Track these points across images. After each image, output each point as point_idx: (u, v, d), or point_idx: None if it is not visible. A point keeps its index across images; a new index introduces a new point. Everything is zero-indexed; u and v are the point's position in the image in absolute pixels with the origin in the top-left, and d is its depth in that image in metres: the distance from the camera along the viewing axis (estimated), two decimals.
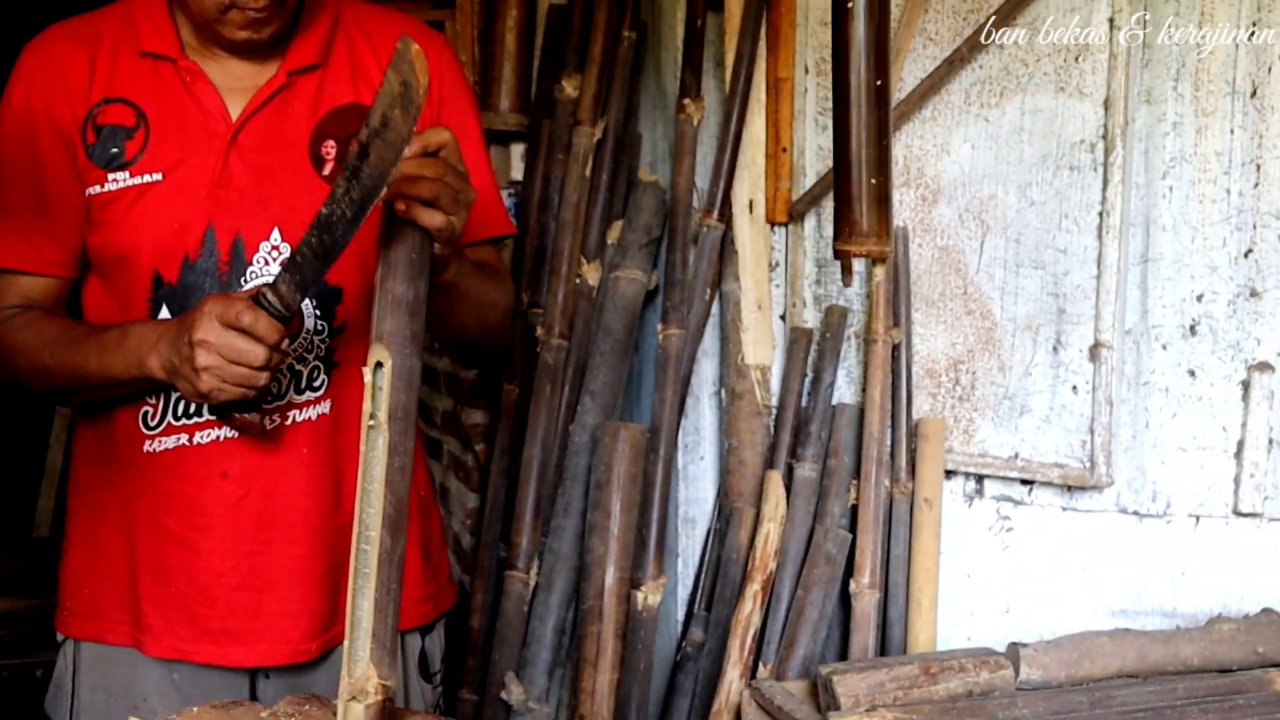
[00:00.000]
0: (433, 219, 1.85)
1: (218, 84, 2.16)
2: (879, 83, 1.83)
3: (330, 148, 2.19)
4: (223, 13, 2.05)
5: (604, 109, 3.32)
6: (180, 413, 2.15)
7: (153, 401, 2.16)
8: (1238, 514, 2.66)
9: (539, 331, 3.26)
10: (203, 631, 2.20)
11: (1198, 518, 2.68)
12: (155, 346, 2.01)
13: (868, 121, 1.83)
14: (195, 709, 1.79)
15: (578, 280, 3.26)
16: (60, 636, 2.32)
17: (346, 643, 1.72)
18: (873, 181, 1.83)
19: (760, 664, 2.83)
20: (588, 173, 3.29)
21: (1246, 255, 2.60)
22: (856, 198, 1.84)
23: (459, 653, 3.29)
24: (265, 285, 1.93)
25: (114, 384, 2.11)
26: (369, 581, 1.72)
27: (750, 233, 3.08)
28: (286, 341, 2.00)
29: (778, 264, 3.11)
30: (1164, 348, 2.65)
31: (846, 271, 1.96)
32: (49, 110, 2.14)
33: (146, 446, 2.18)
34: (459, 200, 1.89)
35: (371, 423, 1.77)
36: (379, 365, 1.77)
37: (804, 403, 2.99)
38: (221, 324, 1.91)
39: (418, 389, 1.82)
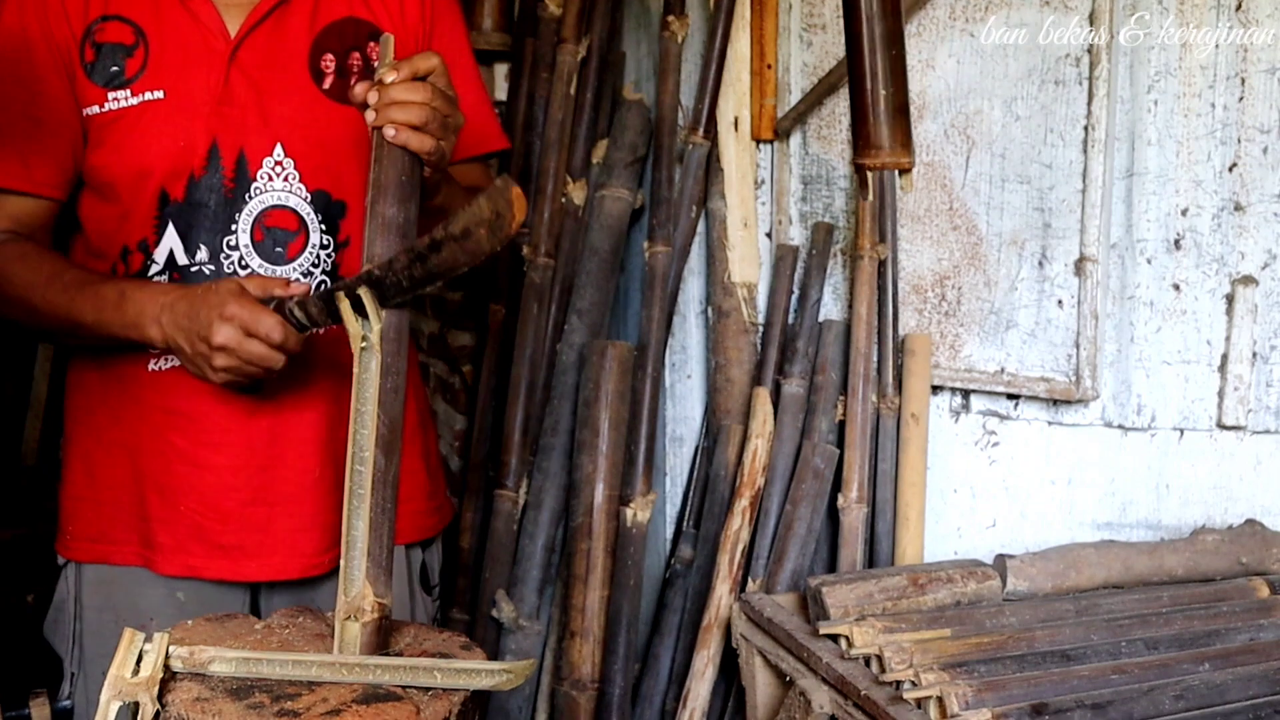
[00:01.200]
0: (423, 143, 1.88)
1: (215, 1, 2.15)
2: None
3: (329, 61, 2.19)
4: None
5: (588, 27, 3.30)
6: None
7: None
8: (1221, 427, 2.68)
9: (525, 251, 3.27)
10: (214, 547, 2.21)
11: (1182, 431, 2.70)
12: (158, 319, 2.01)
13: (879, 30, 1.82)
14: (190, 622, 1.80)
15: (563, 199, 3.26)
16: (61, 560, 2.32)
17: (343, 562, 1.74)
18: (886, 92, 1.83)
19: (749, 579, 2.85)
20: (572, 91, 3.28)
21: (1231, 169, 2.61)
22: (872, 109, 1.83)
23: (450, 572, 3.32)
24: (296, 304, 1.93)
25: (107, 338, 2.10)
26: (364, 501, 1.73)
27: (736, 150, 3.08)
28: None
29: (763, 181, 3.11)
30: (1149, 262, 2.66)
31: (864, 186, 1.96)
32: (44, 27, 2.12)
33: (151, 365, 2.18)
34: (447, 125, 1.92)
35: (364, 344, 1.78)
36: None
37: (791, 320, 3.00)
38: (245, 332, 1.92)
39: (409, 309, 1.83)
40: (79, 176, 2.18)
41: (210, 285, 1.98)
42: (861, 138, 1.86)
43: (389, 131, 1.86)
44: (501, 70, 3.65)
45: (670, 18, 3.11)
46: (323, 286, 2.19)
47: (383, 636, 1.74)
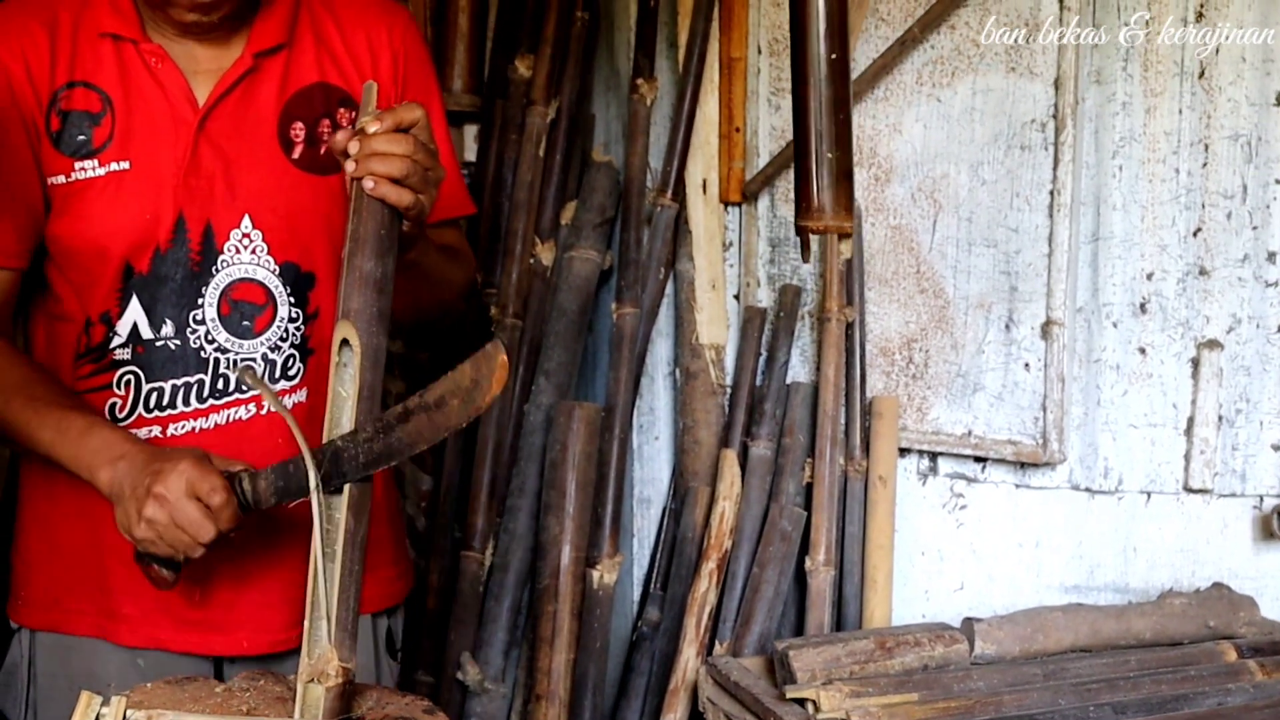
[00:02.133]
0: (401, 197, 1.83)
1: (183, 68, 2.09)
2: (836, 55, 1.83)
3: (299, 130, 2.15)
4: None
5: (557, 89, 3.31)
6: (152, 404, 2.10)
7: (120, 393, 2.10)
8: (1188, 490, 2.68)
9: (493, 311, 3.26)
10: (178, 620, 2.15)
11: (1149, 494, 2.71)
12: (114, 463, 1.94)
13: (826, 95, 1.82)
14: (149, 685, 1.77)
15: (532, 260, 3.26)
16: (15, 625, 2.27)
17: (306, 624, 1.71)
18: (831, 156, 1.83)
19: (716, 642, 2.84)
20: (541, 153, 3.29)
21: (1195, 234, 2.63)
22: (816, 173, 1.83)
23: (415, 634, 3.29)
24: (248, 472, 1.88)
25: (52, 461, 2.03)
26: (334, 563, 1.71)
27: (704, 212, 3.09)
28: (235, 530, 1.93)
29: (731, 243, 3.12)
30: (1115, 325, 2.68)
31: (805, 249, 1.95)
32: (10, 91, 2.05)
33: None
34: (428, 178, 1.87)
35: (344, 397, 1.76)
36: (345, 343, 1.76)
37: (759, 381, 3.00)
38: (188, 490, 1.85)
39: (383, 368, 1.81)
40: (41, 245, 2.12)
41: (179, 447, 1.95)
42: (804, 200, 1.86)
43: (368, 184, 1.81)
44: (471, 131, 3.65)
45: (639, 80, 3.13)
46: (292, 361, 2.17)
47: (346, 701, 1.72)
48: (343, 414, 1.75)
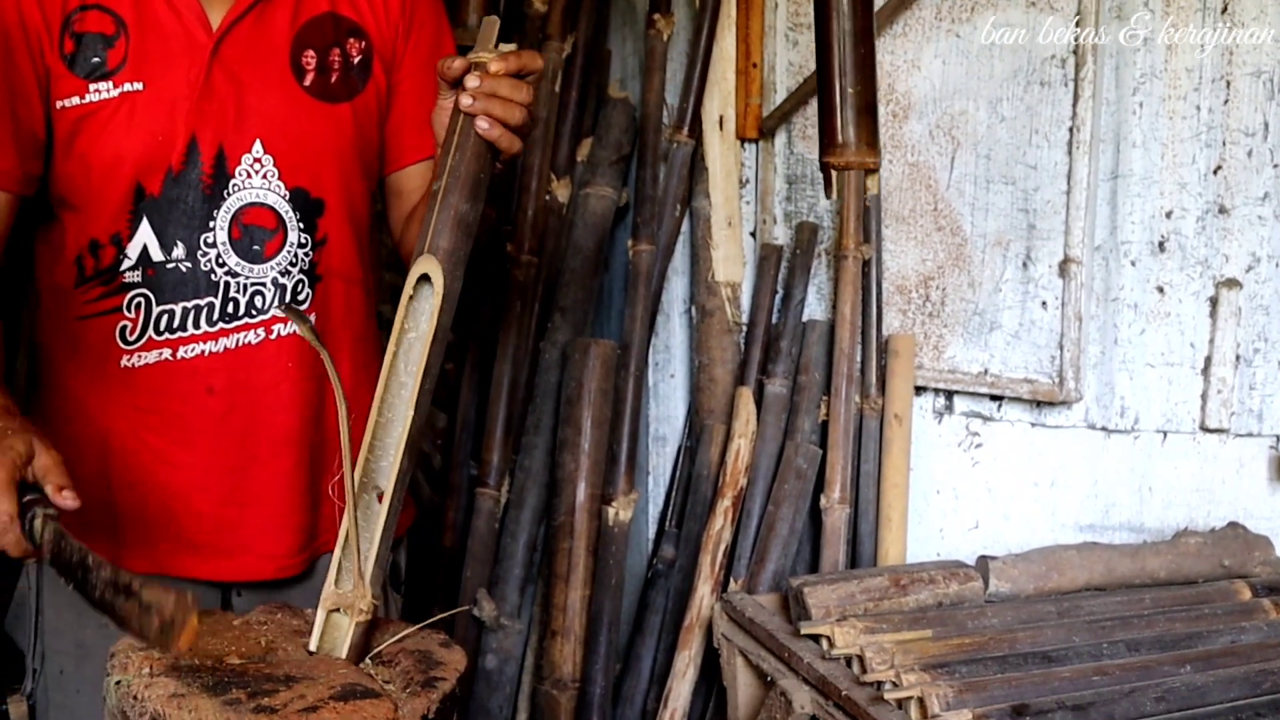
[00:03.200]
0: (513, 144, 1.85)
1: None
2: None
3: (310, 57, 2.16)
4: None
5: (573, 24, 3.29)
6: (163, 327, 2.11)
7: (131, 316, 2.12)
8: (1204, 429, 2.68)
9: (509, 248, 3.25)
10: (185, 545, 2.17)
11: (1165, 433, 2.70)
12: None
13: (848, 29, 1.81)
14: None
15: (547, 197, 3.25)
16: None
17: (337, 552, 1.71)
18: (853, 91, 1.82)
19: (731, 579, 2.85)
20: (557, 89, 3.27)
21: (1216, 172, 2.61)
22: (839, 108, 1.83)
23: (430, 570, 3.30)
24: (49, 514, 1.75)
25: None
26: (385, 499, 1.71)
27: (720, 149, 3.07)
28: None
29: (748, 180, 3.10)
30: (1133, 264, 2.66)
31: (829, 185, 1.94)
32: (19, 12, 2.05)
33: (124, 361, 2.14)
34: (532, 127, 1.91)
35: (413, 335, 1.75)
36: (425, 279, 1.74)
37: (774, 319, 3.00)
38: None
39: (454, 310, 1.81)
40: (45, 177, 2.12)
41: (8, 432, 1.81)
42: (828, 136, 1.86)
43: (482, 124, 1.81)
44: None
45: (656, 16, 3.10)
46: (301, 286, 2.17)
47: (369, 638, 1.73)
48: (412, 351, 1.74)
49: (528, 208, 3.23)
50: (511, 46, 1.88)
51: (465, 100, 1.82)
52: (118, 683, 1.62)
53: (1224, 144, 2.60)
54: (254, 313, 2.13)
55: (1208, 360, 2.65)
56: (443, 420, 3.77)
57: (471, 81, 1.82)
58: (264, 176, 2.12)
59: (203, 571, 2.19)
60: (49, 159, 2.10)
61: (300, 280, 2.17)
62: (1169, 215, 2.63)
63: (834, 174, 1.89)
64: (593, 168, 3.21)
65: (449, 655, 1.74)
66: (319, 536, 2.26)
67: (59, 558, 1.71)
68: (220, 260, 2.11)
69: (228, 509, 2.18)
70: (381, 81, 2.23)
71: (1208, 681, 2.13)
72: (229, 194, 2.10)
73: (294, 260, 2.16)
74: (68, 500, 1.77)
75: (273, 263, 2.14)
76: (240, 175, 2.11)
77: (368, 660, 1.73)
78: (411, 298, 1.76)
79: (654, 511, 3.30)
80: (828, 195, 1.96)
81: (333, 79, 2.17)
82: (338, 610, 1.71)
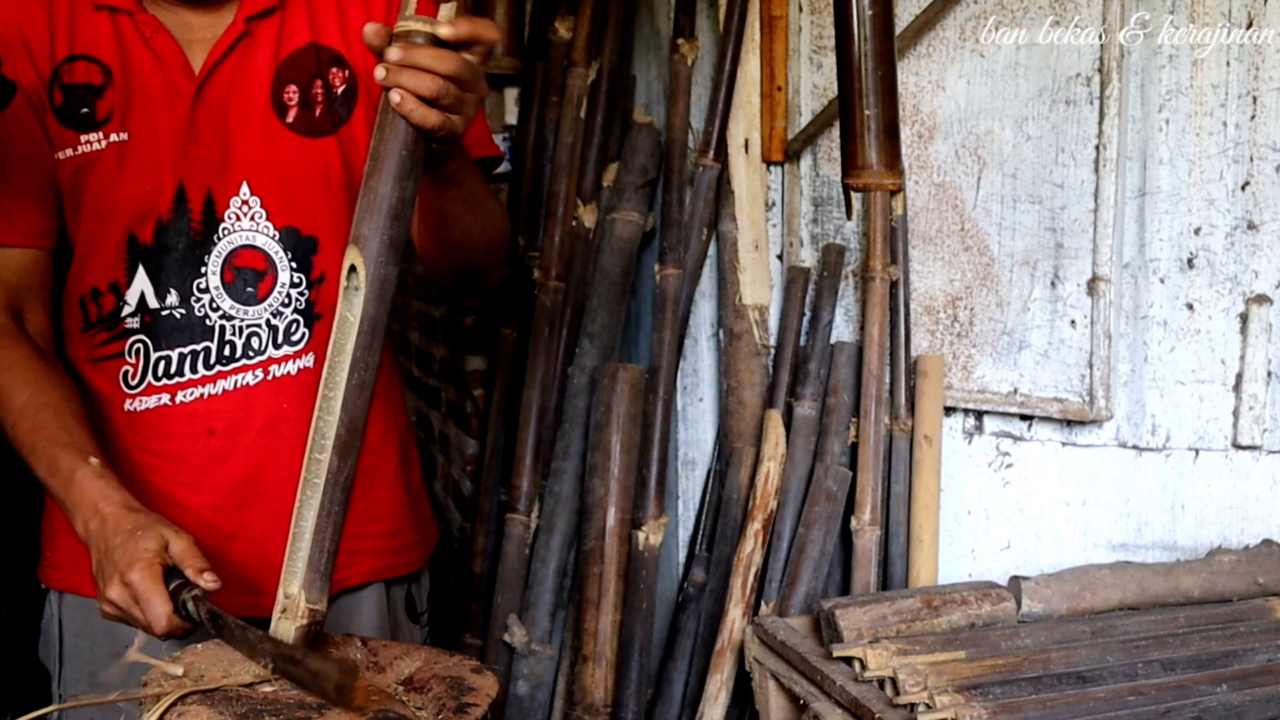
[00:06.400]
0: (427, 117, 1.67)
1: (177, 37, 2.09)
2: (875, 10, 1.82)
3: (292, 93, 2.13)
4: None
5: (598, 50, 3.31)
6: (161, 372, 2.13)
7: (131, 361, 2.13)
8: (1237, 446, 2.66)
9: (536, 274, 3.26)
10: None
11: (1197, 451, 2.69)
12: (86, 523, 1.92)
13: (869, 50, 1.81)
14: (199, 646, 1.79)
15: (574, 222, 3.26)
16: (44, 586, 2.31)
17: (286, 555, 1.72)
18: (872, 112, 1.82)
19: (762, 603, 2.84)
20: (582, 115, 3.29)
21: (1244, 188, 2.60)
22: (861, 129, 1.83)
23: (461, 597, 3.31)
24: (198, 596, 1.82)
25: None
26: (316, 493, 1.70)
27: (746, 172, 3.07)
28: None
29: (774, 203, 3.10)
30: (1162, 281, 2.65)
31: (849, 206, 1.94)
32: (12, 70, 2.04)
33: (127, 405, 2.15)
34: (465, 100, 1.71)
35: (344, 328, 1.72)
36: (353, 269, 1.70)
37: (802, 342, 3.00)
38: (134, 601, 1.83)
39: (389, 301, 1.73)
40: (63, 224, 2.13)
41: (139, 530, 1.87)
42: (849, 157, 1.86)
43: (393, 97, 1.64)
44: (512, 94, 3.65)
45: (680, 40, 3.11)
46: (295, 326, 2.16)
47: (313, 642, 1.72)
48: (347, 341, 1.72)
49: (554, 233, 3.23)
50: (450, 9, 1.70)
51: (378, 73, 1.66)
52: (150, 712, 1.63)
53: (1251, 159, 2.59)
54: (251, 354, 2.15)
55: (1239, 377, 2.64)
56: (473, 447, 3.78)
57: (392, 54, 1.65)
58: (252, 219, 2.11)
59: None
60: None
61: (294, 320, 2.17)
62: (1197, 232, 2.62)
63: (854, 195, 1.89)
64: (619, 192, 3.22)
65: (481, 681, 1.74)
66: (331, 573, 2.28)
67: (221, 632, 1.78)
68: (214, 304, 2.12)
69: (233, 548, 2.20)
70: (370, 106, 2.18)
71: (1244, 700, 2.11)
72: (219, 238, 2.11)
73: (286, 300, 2.15)
74: (209, 582, 1.84)
75: (265, 304, 2.14)
76: (229, 219, 2.11)
77: (399, 687, 1.73)
78: (346, 288, 1.71)
79: (684, 535, 3.30)
80: (848, 216, 1.96)
81: (316, 112, 2.15)
82: (284, 614, 1.72)
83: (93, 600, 2.23)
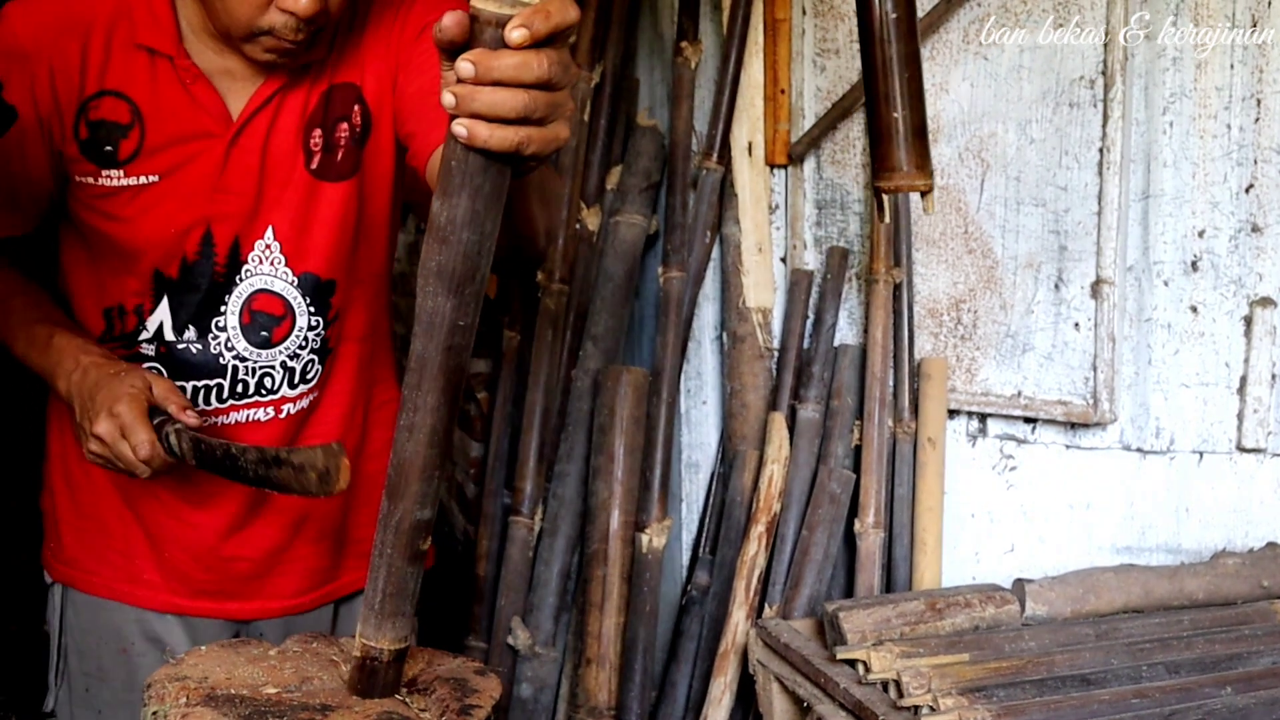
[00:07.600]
0: (504, 142, 1.30)
1: (218, 84, 2.04)
2: (898, 14, 1.82)
3: (317, 138, 2.10)
4: (254, 35, 1.93)
5: (601, 53, 3.30)
6: None
7: None
8: (1241, 449, 2.66)
9: (540, 277, 3.26)
10: (199, 591, 2.25)
11: (1201, 454, 2.69)
12: (69, 376, 2.01)
13: (894, 53, 1.81)
14: (204, 648, 1.79)
15: (578, 225, 3.25)
16: (48, 578, 2.33)
17: (365, 598, 1.70)
18: (899, 115, 1.82)
19: (765, 605, 2.84)
20: (586, 118, 3.28)
21: (1248, 190, 2.60)
22: (891, 132, 1.83)
23: (465, 600, 3.30)
24: (179, 430, 1.94)
25: (28, 368, 2.11)
26: (388, 546, 1.69)
27: (750, 175, 3.07)
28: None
29: (778, 206, 3.10)
30: (1166, 284, 2.65)
31: (881, 209, 1.94)
32: (32, 91, 2.01)
33: None
34: (558, 104, 1.35)
35: None
36: None
37: (806, 344, 2.99)
38: (120, 433, 1.92)
39: (447, 336, 1.45)
40: (51, 211, 2.14)
41: (120, 372, 1.98)
42: (879, 160, 1.85)
43: (460, 130, 1.28)
44: None
45: (684, 44, 3.11)
46: (310, 366, 2.19)
47: (369, 678, 1.70)
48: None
49: (558, 237, 3.23)
50: None
51: (446, 100, 1.29)
52: (154, 713, 1.62)
53: (1255, 162, 2.59)
54: (263, 392, 2.17)
55: (1243, 380, 2.64)
56: (476, 450, 3.77)
57: (465, 69, 1.27)
58: (272, 263, 2.11)
59: (215, 613, 2.27)
60: (77, 212, 2.11)
61: (310, 360, 2.19)
62: (1201, 234, 2.62)
63: (884, 198, 1.89)
64: (622, 195, 3.21)
65: (484, 684, 1.74)
66: (336, 579, 2.35)
67: (204, 459, 1.92)
68: (229, 344, 2.13)
69: (240, 562, 2.25)
70: (387, 134, 2.14)
71: (1249, 704, 2.11)
72: (241, 280, 2.11)
73: (303, 343, 2.17)
74: (190, 417, 1.99)
75: (281, 347, 2.15)
76: (252, 261, 2.11)
77: (403, 689, 1.73)
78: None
79: (687, 538, 3.30)
80: (880, 219, 1.95)
81: (339, 156, 2.12)
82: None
83: (97, 597, 2.25)
